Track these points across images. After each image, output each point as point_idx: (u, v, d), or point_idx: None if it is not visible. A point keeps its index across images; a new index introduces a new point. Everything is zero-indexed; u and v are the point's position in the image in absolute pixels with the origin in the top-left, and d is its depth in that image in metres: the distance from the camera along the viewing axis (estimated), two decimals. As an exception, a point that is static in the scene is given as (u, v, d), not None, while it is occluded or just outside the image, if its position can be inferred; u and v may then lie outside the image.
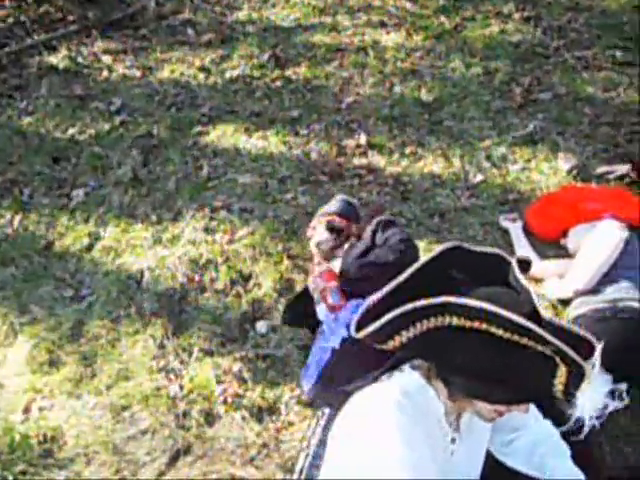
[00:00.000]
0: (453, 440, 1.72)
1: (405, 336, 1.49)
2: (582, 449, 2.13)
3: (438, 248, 1.57)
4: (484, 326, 1.43)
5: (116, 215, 3.73)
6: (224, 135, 4.19)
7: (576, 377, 1.41)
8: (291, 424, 2.63)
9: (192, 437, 2.65)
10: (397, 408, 1.58)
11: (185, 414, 2.74)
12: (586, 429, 1.47)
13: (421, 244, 3.15)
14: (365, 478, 1.49)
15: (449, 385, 1.60)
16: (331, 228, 2.94)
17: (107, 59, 5.00)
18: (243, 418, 2.66)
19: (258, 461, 2.50)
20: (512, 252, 3.18)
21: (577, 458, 1.95)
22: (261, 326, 3.03)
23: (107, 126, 4.35)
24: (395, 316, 1.47)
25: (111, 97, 4.60)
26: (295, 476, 2.20)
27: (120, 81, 4.77)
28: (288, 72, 4.75)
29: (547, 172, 3.74)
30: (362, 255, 2.72)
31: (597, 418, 1.44)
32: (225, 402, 2.73)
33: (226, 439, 2.61)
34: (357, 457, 1.56)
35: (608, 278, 2.77)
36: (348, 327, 2.44)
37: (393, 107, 4.35)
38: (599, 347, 1.43)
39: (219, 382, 2.80)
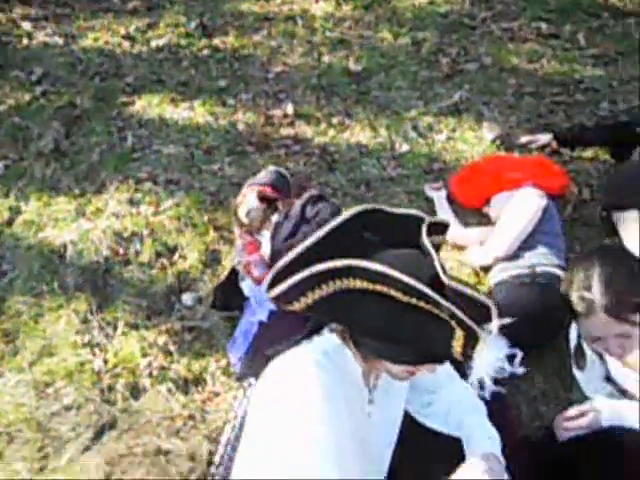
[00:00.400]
0: (371, 401, 1.76)
1: (311, 298, 1.51)
2: (499, 409, 2.20)
3: (352, 209, 1.58)
4: (385, 289, 1.46)
5: (38, 188, 3.62)
6: (149, 105, 4.10)
7: (471, 341, 1.46)
8: (217, 395, 2.63)
9: (117, 411, 2.63)
10: (317, 366, 1.61)
11: (110, 388, 2.71)
12: (487, 392, 1.52)
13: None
14: (284, 433, 1.53)
15: (359, 346, 1.64)
16: (262, 198, 2.94)
17: (27, 26, 4.82)
18: (169, 390, 2.65)
19: (184, 433, 2.49)
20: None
21: (493, 418, 2.02)
22: (187, 298, 3.01)
23: (27, 96, 4.20)
24: (302, 278, 1.49)
25: (32, 66, 4.45)
26: (221, 448, 2.21)
27: (41, 49, 4.61)
28: (215, 41, 4.68)
29: (472, 141, 3.80)
30: (291, 234, 2.73)
31: (499, 383, 1.49)
32: (150, 375, 2.71)
33: (152, 412, 2.59)
34: (277, 413, 1.59)
35: (527, 245, 2.84)
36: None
37: (321, 77, 4.34)
38: (495, 312, 1.46)
39: (144, 355, 2.78)
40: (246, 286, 2.73)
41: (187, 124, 3.95)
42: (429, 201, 3.38)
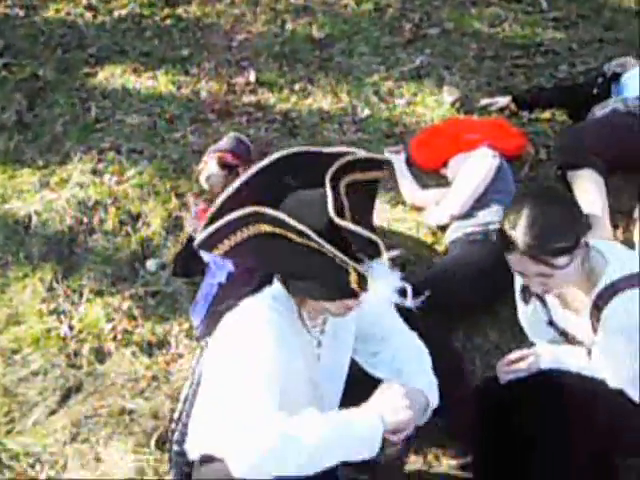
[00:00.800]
0: (319, 343, 1.84)
1: (228, 244, 1.62)
2: (453, 360, 2.29)
3: (274, 155, 1.67)
4: (286, 233, 1.57)
5: (1, 161, 3.65)
6: (112, 76, 4.11)
7: (362, 276, 1.60)
8: (180, 356, 2.70)
9: (83, 375, 2.69)
10: (268, 309, 1.74)
11: (76, 353, 2.77)
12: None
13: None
14: (236, 373, 1.66)
15: (286, 287, 1.74)
16: (222, 164, 2.98)
17: (-14, -2, 4.80)
18: (133, 353, 2.72)
19: (148, 393, 2.56)
20: (396, 183, 3.29)
21: (448, 370, 2.11)
22: (150, 264, 3.06)
23: (-11, 69, 4.21)
24: (219, 226, 1.60)
25: (-7, 38, 4.44)
26: (180, 405, 2.28)
27: (1, 21, 4.58)
28: (179, 10, 4.67)
29: (432, 105, 3.86)
30: None
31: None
32: (115, 339, 2.77)
33: (117, 374, 2.66)
34: (230, 357, 1.71)
35: (481, 203, 2.92)
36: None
37: (284, 44, 4.36)
38: (383, 247, 1.60)
39: (109, 320, 2.84)
40: (204, 252, 2.78)
41: (150, 94, 3.97)
42: (389, 164, 3.42)
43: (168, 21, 4.57)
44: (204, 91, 3.97)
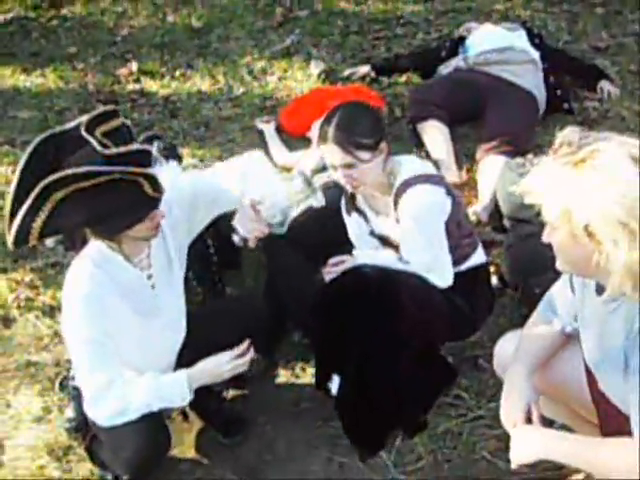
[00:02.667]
0: (150, 276, 2.21)
1: (37, 228, 1.91)
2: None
3: (31, 145, 1.95)
4: (77, 185, 1.87)
5: None
6: (2, 77, 4.38)
7: (152, 180, 1.94)
8: (79, 315, 3.02)
9: (-8, 341, 2.99)
10: (85, 270, 2.10)
11: (-16, 325, 3.06)
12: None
13: (185, 151, 3.58)
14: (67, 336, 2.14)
15: (100, 237, 2.08)
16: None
17: None
18: (36, 317, 3.02)
19: (51, 347, 2.88)
20: (267, 150, 3.68)
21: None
22: (49, 241, 3.35)
23: None
24: (20, 220, 1.88)
25: None
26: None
27: None
28: (64, 11, 4.97)
29: (301, 79, 4.26)
30: None
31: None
32: (19, 307, 3.07)
33: (22, 336, 2.96)
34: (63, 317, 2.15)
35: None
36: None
37: (164, 35, 4.70)
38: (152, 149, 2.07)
39: (12, 291, 3.13)
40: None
41: (40, 90, 4.27)
42: (261, 134, 3.81)
43: (54, 22, 4.86)
44: (91, 84, 4.29)
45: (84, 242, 2.16)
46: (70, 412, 2.47)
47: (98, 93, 4.18)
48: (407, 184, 2.30)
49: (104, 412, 2.07)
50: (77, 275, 2.11)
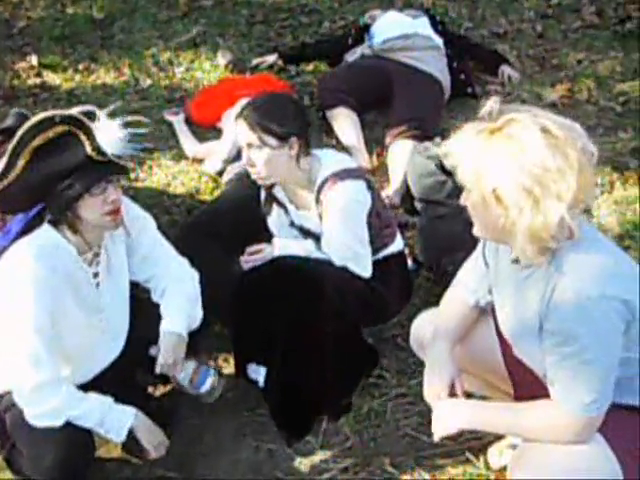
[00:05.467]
0: (96, 274, 2.17)
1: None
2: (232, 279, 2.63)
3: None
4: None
5: None
6: None
7: (87, 132, 1.95)
8: None
9: None
10: (32, 257, 2.02)
11: None
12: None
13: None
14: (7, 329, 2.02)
15: (58, 216, 2.05)
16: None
17: None
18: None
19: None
20: (177, 142, 3.65)
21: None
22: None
23: None
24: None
25: None
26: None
27: None
28: (-46, 4, 4.74)
29: (209, 69, 4.23)
30: None
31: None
32: None
33: None
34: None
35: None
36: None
37: (65, 27, 4.57)
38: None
39: None
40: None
41: None
42: (169, 125, 3.76)
43: (-56, 15, 4.63)
44: (-13, 79, 4.13)
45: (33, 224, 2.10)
46: (-14, 421, 2.39)
47: (-4, 89, 4.04)
48: (329, 181, 2.33)
49: (38, 409, 2.01)
50: (23, 256, 2.02)
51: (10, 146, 1.91)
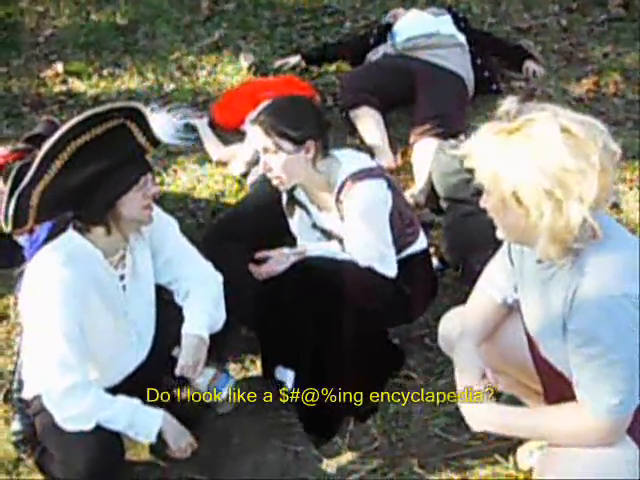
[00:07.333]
0: (122, 277, 2.18)
1: (34, 216, 1.95)
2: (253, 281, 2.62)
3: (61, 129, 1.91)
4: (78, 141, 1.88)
5: None
6: None
7: (141, 121, 1.97)
8: (19, 325, 2.95)
9: None
10: (59, 264, 2.02)
11: None
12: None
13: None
14: (36, 333, 2.07)
15: (88, 224, 2.06)
16: (15, 151, 3.20)
17: None
18: (-25, 329, 2.95)
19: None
20: (202, 145, 3.66)
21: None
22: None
23: None
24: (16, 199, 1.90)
25: None
26: (15, 358, 2.57)
27: None
28: (-19, 14, 4.81)
29: (231, 73, 4.24)
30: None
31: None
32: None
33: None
34: (30, 310, 2.03)
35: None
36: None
37: (89, 34, 4.61)
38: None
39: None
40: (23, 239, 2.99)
41: (-38, 96, 4.14)
42: (194, 129, 3.77)
43: (-30, 25, 4.71)
44: (15, 87, 4.18)
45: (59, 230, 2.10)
46: (17, 425, 2.40)
47: (24, 96, 4.08)
48: (349, 181, 2.31)
49: (68, 413, 2.02)
50: (50, 262, 2.04)
51: (43, 151, 1.87)
